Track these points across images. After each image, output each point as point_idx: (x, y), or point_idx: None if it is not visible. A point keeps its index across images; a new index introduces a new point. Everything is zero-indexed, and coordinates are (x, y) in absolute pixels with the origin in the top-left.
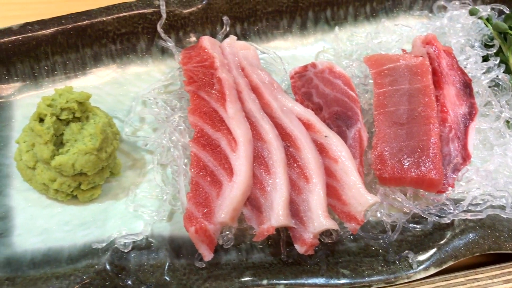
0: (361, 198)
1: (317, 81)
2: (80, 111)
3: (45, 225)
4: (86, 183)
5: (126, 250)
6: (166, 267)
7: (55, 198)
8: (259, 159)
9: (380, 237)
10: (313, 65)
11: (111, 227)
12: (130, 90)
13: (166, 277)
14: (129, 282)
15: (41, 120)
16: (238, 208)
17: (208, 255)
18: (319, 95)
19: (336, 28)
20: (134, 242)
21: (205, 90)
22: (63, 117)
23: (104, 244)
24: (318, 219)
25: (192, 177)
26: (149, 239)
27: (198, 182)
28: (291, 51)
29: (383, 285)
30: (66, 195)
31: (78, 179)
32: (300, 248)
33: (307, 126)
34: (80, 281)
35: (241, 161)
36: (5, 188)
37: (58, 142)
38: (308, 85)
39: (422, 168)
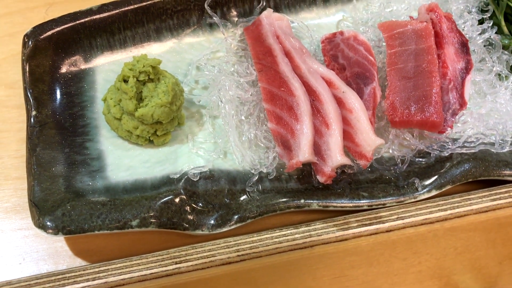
0: (370, 141)
1: (343, 46)
2: (153, 74)
3: (130, 163)
4: (161, 130)
5: (195, 179)
6: (226, 192)
7: (136, 142)
8: (290, 110)
9: (392, 168)
10: (341, 33)
11: (181, 163)
12: (185, 57)
13: (226, 199)
14: (199, 203)
15: (125, 81)
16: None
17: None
18: (344, 57)
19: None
20: (201, 173)
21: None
22: (141, 78)
23: (178, 175)
24: (336, 157)
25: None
26: (211, 172)
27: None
28: (316, 21)
29: (394, 204)
30: (145, 140)
31: (155, 126)
32: (321, 178)
33: (329, 83)
34: (163, 201)
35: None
36: (95, 136)
37: (139, 98)
38: (335, 49)
39: (426, 112)
